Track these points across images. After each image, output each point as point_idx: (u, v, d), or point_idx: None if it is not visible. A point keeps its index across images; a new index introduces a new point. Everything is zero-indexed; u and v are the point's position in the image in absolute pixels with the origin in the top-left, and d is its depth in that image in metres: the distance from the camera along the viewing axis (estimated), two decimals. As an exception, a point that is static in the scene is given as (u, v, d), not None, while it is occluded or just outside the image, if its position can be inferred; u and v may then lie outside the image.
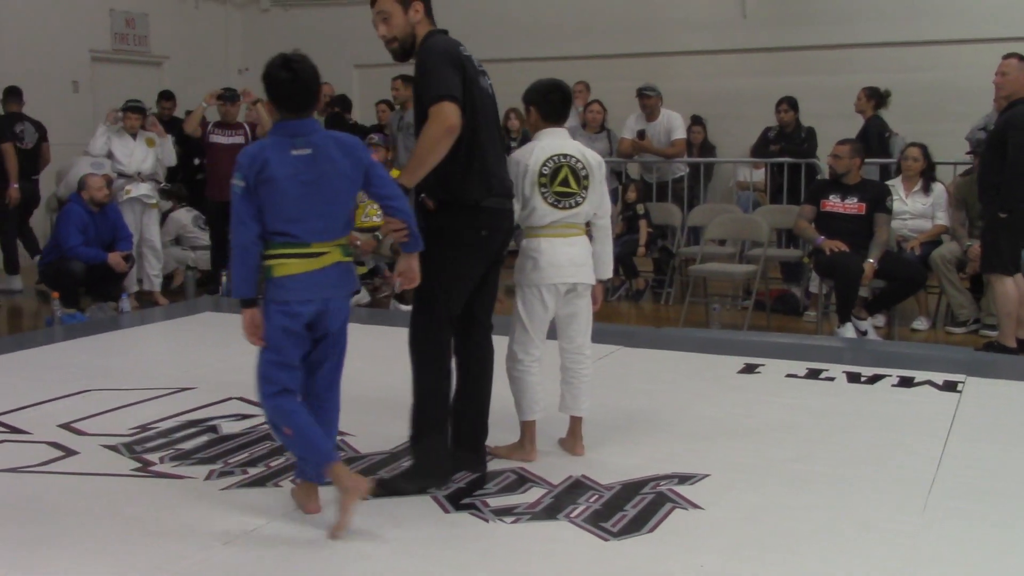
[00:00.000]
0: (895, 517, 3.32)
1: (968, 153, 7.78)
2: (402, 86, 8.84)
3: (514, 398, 3.86)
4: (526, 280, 3.78)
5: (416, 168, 3.34)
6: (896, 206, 6.86)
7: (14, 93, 8.92)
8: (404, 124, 8.55)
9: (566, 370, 3.93)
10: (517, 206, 3.72)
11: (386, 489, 3.49)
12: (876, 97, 8.14)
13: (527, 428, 3.89)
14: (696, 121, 10.31)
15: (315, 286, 3.20)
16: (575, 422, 3.97)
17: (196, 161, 9.09)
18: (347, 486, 3.12)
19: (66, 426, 4.34)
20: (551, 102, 3.87)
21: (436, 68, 3.34)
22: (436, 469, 3.58)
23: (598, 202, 3.89)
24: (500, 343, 3.80)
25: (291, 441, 3.25)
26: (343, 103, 8.94)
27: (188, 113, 8.80)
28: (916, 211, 7.13)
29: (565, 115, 3.92)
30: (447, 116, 3.27)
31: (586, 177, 3.81)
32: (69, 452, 4.00)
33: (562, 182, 3.77)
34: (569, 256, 3.78)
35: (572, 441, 3.97)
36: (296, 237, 3.16)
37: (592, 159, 3.88)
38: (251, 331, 3.26)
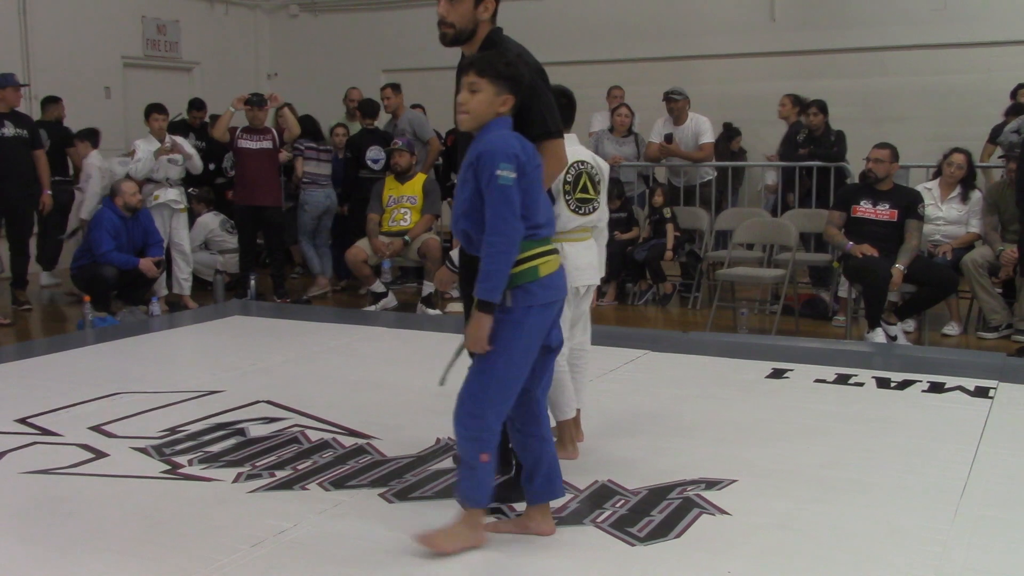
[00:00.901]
0: (925, 524, 3.28)
1: (1001, 157, 7.70)
2: (392, 94, 8.91)
3: (550, 400, 3.87)
4: None
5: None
6: (930, 211, 6.80)
7: (53, 101, 9.01)
8: (398, 131, 8.63)
9: (571, 366, 3.99)
10: None
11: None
12: (799, 104, 8.46)
13: (566, 427, 3.94)
14: (734, 131, 10.28)
15: (562, 286, 3.11)
16: (577, 414, 4.05)
17: (211, 166, 9.15)
18: (475, 532, 3.07)
19: (97, 428, 4.38)
20: (560, 107, 3.88)
21: (549, 97, 3.28)
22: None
23: (603, 206, 4.03)
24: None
25: (483, 467, 3.00)
26: (367, 108, 8.94)
27: (213, 118, 8.86)
28: (951, 218, 7.05)
29: (572, 121, 3.95)
30: (563, 155, 3.31)
31: (599, 182, 3.93)
32: (100, 454, 4.04)
33: (582, 188, 3.85)
34: (588, 259, 3.91)
35: (575, 430, 4.04)
36: (549, 232, 3.04)
37: (603, 165, 4.02)
38: (485, 341, 2.93)
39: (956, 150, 7.14)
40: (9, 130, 7.89)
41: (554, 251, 3.05)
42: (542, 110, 3.21)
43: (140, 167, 7.95)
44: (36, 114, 9.30)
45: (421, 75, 11.00)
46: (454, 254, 3.72)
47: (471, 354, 3.01)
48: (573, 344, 3.99)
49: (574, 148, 3.89)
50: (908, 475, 3.75)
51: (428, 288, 7.77)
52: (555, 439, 3.82)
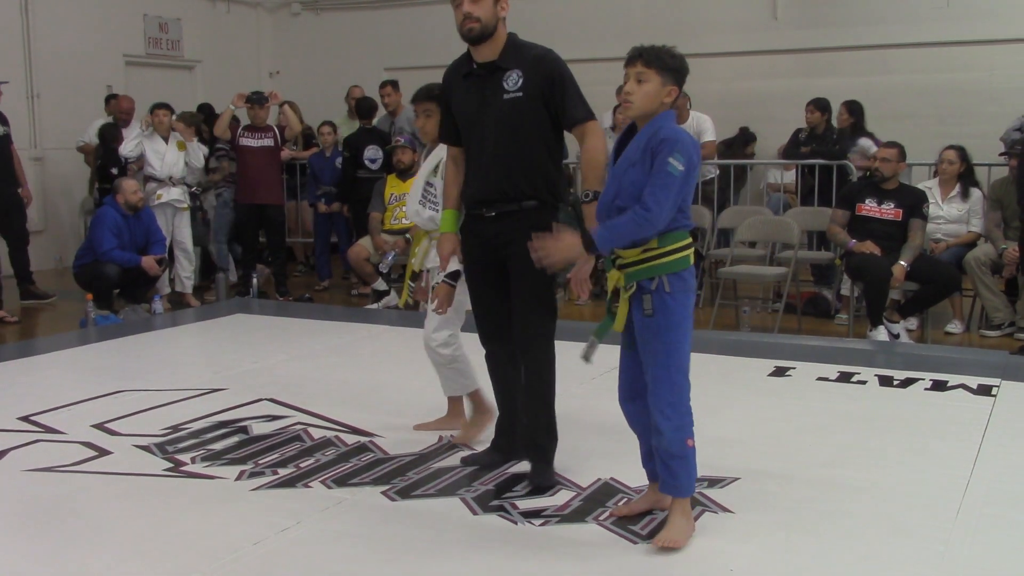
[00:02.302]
0: (928, 523, 3.28)
1: (1002, 155, 7.69)
2: (392, 92, 8.89)
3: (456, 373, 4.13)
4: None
5: (603, 174, 3.42)
6: (931, 210, 6.79)
7: None
8: (396, 129, 8.62)
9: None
10: None
11: (545, 485, 3.60)
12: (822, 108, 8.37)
13: (459, 404, 4.25)
14: (750, 136, 10.26)
15: None
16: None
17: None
18: (690, 520, 3.17)
19: (99, 426, 4.39)
20: None
21: (577, 87, 3.51)
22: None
23: None
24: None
25: (690, 452, 3.09)
26: (363, 108, 8.85)
27: (216, 116, 8.84)
28: (951, 216, 7.04)
29: None
30: (601, 132, 3.55)
31: None
32: (102, 452, 4.05)
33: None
34: None
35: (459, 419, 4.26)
36: (690, 225, 3.16)
37: None
38: (559, 263, 3.23)
39: (947, 147, 7.14)
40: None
41: (692, 244, 3.18)
42: (580, 96, 3.47)
43: (130, 145, 8.00)
44: (42, 113, 9.32)
45: (423, 73, 10.91)
46: (453, 266, 3.73)
47: (631, 342, 3.17)
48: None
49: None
50: (910, 473, 3.74)
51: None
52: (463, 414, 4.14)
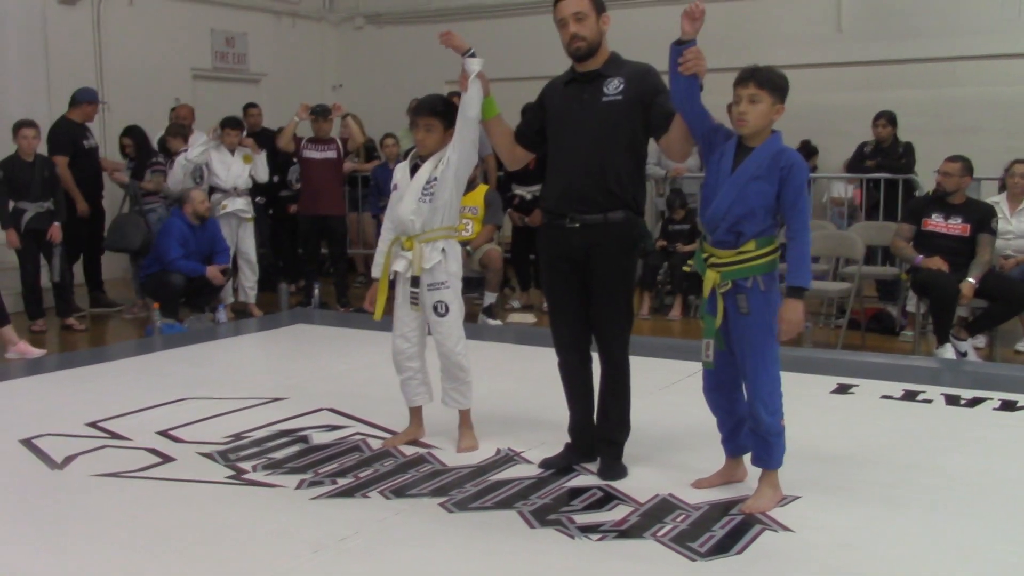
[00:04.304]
0: (996, 547, 3.20)
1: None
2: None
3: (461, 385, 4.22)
4: None
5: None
6: (1000, 225, 6.64)
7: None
8: None
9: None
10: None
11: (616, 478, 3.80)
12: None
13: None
14: (812, 150, 10.15)
15: None
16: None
17: (275, 178, 9.26)
18: (777, 489, 3.53)
19: (164, 433, 4.47)
20: None
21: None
22: None
23: None
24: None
25: (783, 431, 3.46)
26: None
27: (281, 129, 8.97)
28: (1021, 231, 6.87)
29: None
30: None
31: None
32: (167, 458, 4.12)
33: None
34: None
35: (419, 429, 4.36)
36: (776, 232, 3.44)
37: None
38: (802, 323, 3.43)
39: (1017, 161, 6.98)
40: (91, 141, 8.33)
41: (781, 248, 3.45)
42: (672, 112, 3.59)
43: (197, 150, 8.11)
44: (113, 125, 9.58)
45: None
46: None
47: (727, 338, 3.48)
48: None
49: None
50: (978, 495, 3.66)
51: (490, 298, 7.79)
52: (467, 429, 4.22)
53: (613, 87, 3.68)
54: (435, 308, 4.11)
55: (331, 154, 8.49)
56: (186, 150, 8.21)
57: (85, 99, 8.28)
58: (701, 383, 3.66)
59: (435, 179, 4.04)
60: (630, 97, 3.66)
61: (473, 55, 3.85)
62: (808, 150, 10.26)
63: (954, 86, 9.88)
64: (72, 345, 7.17)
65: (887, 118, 8.34)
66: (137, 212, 8.31)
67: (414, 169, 4.12)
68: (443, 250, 4.08)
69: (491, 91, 3.93)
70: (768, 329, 3.39)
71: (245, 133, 8.50)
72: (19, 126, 7.34)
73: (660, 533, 3.29)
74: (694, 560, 3.09)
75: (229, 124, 8.29)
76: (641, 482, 3.75)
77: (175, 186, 8.08)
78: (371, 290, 4.30)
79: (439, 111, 4.07)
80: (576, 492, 3.68)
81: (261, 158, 8.44)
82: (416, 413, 4.34)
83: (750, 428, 3.50)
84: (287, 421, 4.65)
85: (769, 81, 3.30)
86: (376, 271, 4.24)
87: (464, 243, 7.78)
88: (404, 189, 4.10)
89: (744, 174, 3.33)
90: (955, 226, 6.43)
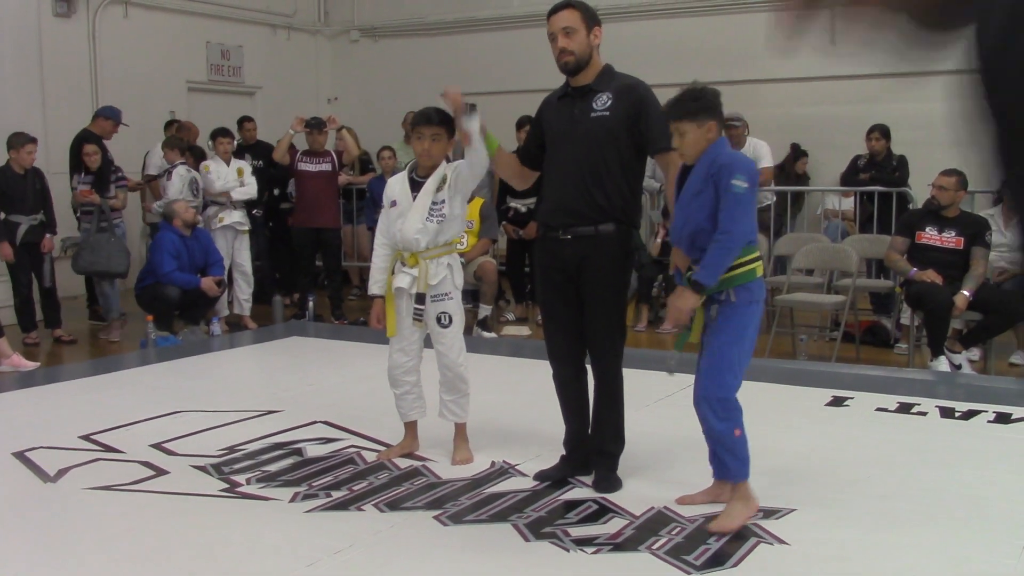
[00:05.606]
0: (990, 559, 3.20)
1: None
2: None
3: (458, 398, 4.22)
4: None
5: None
6: (994, 238, 6.66)
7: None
8: (455, 155, 8.62)
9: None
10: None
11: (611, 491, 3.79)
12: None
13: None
14: (800, 152, 10.17)
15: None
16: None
17: (275, 191, 9.26)
18: (749, 502, 3.45)
19: (158, 446, 4.45)
20: None
21: (663, 117, 3.60)
22: None
23: None
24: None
25: (739, 442, 3.40)
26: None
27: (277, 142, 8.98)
28: (1014, 244, 6.89)
29: None
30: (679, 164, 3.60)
31: None
32: (160, 471, 4.10)
33: None
34: None
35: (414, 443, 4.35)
36: (756, 241, 3.43)
37: None
38: (686, 316, 3.43)
39: None
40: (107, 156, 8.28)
41: (760, 257, 3.43)
42: (665, 125, 3.53)
43: (216, 182, 8.14)
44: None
45: (478, 100, 11.06)
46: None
47: (701, 348, 3.46)
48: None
49: None
50: (973, 507, 3.65)
51: (484, 311, 7.79)
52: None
53: (601, 103, 3.73)
54: (439, 319, 4.10)
55: (326, 167, 8.50)
56: (183, 163, 8.21)
57: (102, 115, 8.38)
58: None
59: (443, 201, 4.04)
60: (617, 113, 3.70)
61: (474, 108, 3.89)
62: (796, 153, 10.28)
63: (947, 100, 9.90)
64: (65, 358, 7.15)
65: (880, 131, 8.36)
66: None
67: (412, 183, 4.12)
68: (448, 265, 4.09)
69: (487, 127, 3.96)
70: (733, 336, 3.38)
71: (236, 142, 8.50)
72: (23, 142, 7.34)
73: (655, 546, 3.28)
74: (689, 573, 3.08)
75: (220, 134, 8.32)
76: (636, 494, 3.75)
77: (175, 195, 8.07)
78: (375, 309, 4.25)
79: (446, 120, 4.07)
80: (571, 505, 3.67)
81: (251, 178, 8.44)
82: (411, 427, 4.33)
83: (704, 433, 3.47)
84: (281, 434, 4.64)
85: (687, 112, 3.36)
86: (376, 288, 4.20)
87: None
88: (405, 206, 4.09)
89: (687, 193, 3.41)
90: (949, 239, 6.44)
